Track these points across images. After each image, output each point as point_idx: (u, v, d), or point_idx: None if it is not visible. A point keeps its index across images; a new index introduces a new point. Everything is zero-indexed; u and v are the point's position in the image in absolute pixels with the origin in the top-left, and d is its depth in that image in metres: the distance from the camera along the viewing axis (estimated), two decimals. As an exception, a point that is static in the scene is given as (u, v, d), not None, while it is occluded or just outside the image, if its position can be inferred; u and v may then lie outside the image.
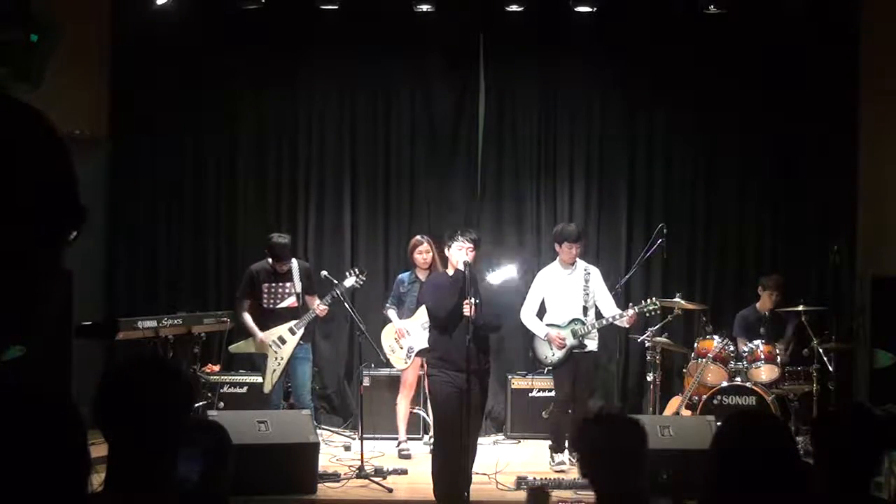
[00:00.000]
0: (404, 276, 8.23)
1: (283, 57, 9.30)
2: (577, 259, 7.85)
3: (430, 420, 7.77)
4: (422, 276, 8.03)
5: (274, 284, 7.93)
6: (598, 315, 7.81)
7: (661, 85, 9.26)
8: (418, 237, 8.18)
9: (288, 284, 7.92)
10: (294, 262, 7.99)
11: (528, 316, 7.88)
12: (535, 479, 7.07)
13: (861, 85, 8.95)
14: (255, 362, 8.68)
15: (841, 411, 3.25)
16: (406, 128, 9.40)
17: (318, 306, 7.83)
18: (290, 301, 7.94)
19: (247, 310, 7.95)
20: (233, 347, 8.21)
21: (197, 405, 7.57)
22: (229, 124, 9.38)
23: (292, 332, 7.85)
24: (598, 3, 8.58)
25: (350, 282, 7.84)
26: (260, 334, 7.86)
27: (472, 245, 6.32)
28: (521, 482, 7.01)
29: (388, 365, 8.21)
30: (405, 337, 8.03)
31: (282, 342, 7.85)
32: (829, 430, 2.97)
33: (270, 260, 7.92)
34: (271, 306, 7.95)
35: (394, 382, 8.42)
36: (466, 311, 6.06)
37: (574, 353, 7.65)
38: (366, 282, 8.00)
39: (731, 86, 9.13)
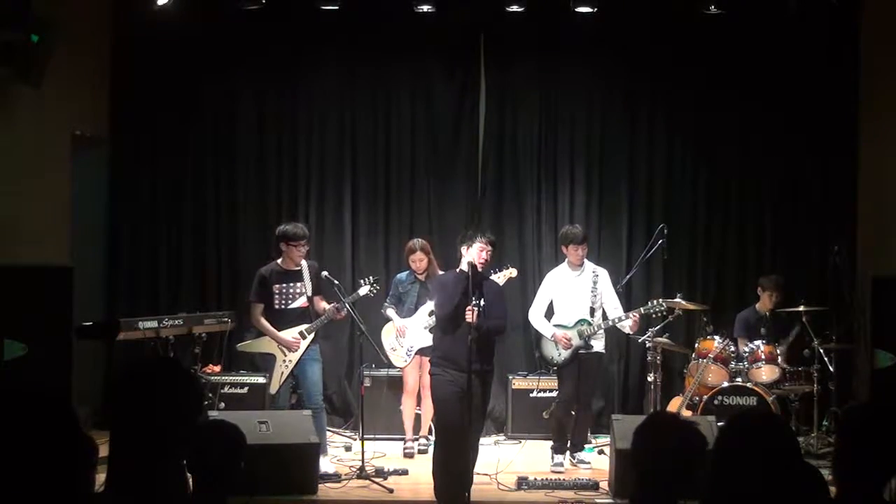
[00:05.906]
0: (402, 275, 8.26)
1: (283, 57, 9.30)
2: (585, 261, 7.86)
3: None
4: (420, 277, 8.12)
5: (285, 285, 7.71)
6: (605, 317, 7.82)
7: (661, 85, 9.27)
8: (412, 244, 8.20)
9: (299, 284, 7.74)
10: (304, 263, 7.88)
11: (535, 316, 7.90)
12: (535, 479, 7.08)
13: (861, 85, 8.96)
14: (257, 362, 8.64)
15: (873, 409, 3.19)
16: (406, 128, 9.39)
17: (337, 310, 7.70)
18: (301, 301, 7.76)
19: (261, 313, 7.69)
20: (241, 346, 8.08)
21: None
22: (229, 124, 9.37)
23: (303, 335, 7.61)
24: (599, 3, 8.57)
25: (364, 290, 7.77)
26: (280, 335, 7.62)
27: (490, 247, 6.41)
28: (521, 482, 7.01)
29: (390, 365, 8.21)
30: (405, 335, 8.04)
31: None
32: (858, 427, 2.94)
33: (280, 260, 7.74)
34: (282, 307, 7.69)
35: (394, 383, 8.43)
36: (468, 316, 6.07)
37: (580, 353, 7.66)
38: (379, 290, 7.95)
39: (731, 86, 9.14)
